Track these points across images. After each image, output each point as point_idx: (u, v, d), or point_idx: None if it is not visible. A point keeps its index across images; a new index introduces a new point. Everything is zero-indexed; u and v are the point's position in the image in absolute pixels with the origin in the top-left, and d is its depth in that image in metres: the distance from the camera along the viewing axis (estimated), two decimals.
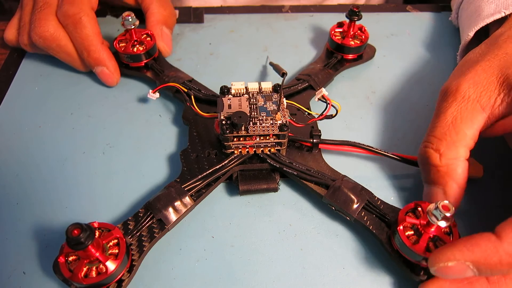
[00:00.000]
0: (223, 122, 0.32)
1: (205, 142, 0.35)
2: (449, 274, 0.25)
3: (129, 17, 0.40)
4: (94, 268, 0.27)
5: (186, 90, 0.37)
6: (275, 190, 0.34)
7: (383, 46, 0.46)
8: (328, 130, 0.38)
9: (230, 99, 0.34)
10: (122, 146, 0.38)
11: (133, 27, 0.41)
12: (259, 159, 0.34)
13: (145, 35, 0.42)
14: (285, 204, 0.34)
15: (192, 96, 0.35)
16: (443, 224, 0.26)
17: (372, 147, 0.34)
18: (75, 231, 0.25)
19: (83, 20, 0.39)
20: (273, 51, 0.46)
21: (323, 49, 0.45)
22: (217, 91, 0.38)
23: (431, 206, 0.26)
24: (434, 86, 0.42)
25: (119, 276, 0.28)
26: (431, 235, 0.27)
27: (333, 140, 0.35)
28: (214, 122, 0.34)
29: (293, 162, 0.33)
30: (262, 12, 0.51)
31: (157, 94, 0.37)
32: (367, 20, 0.50)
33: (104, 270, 0.27)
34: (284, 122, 0.32)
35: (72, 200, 0.35)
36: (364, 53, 0.44)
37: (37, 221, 0.33)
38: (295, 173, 0.33)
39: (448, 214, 0.25)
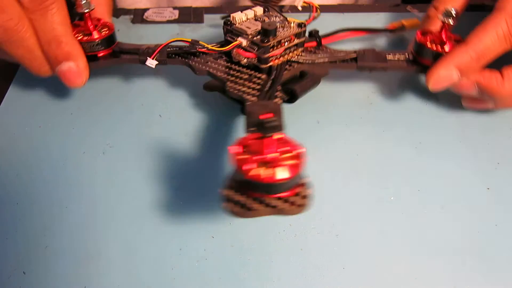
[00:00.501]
0: (254, 38, 0.35)
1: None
2: (442, 81, 0.35)
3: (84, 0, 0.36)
4: (287, 160, 0.23)
5: (189, 40, 0.37)
6: (322, 77, 0.38)
7: (383, 46, 0.46)
8: (328, 130, 0.38)
9: (241, 24, 0.36)
10: (122, 146, 0.38)
11: (87, 10, 0.37)
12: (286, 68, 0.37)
13: (99, 20, 0.39)
14: None
15: (200, 41, 0.37)
16: (450, 20, 0.34)
17: (366, 28, 0.42)
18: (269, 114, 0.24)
19: (53, 7, 0.34)
20: None
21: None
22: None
23: (442, 13, 0.35)
24: None
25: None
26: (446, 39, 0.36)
27: (331, 32, 0.40)
28: (235, 53, 0.36)
29: (318, 54, 0.37)
30: None
31: (155, 62, 0.36)
32: (367, 20, 0.50)
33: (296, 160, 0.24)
34: (299, 22, 0.36)
35: (72, 200, 0.35)
36: None
37: (37, 221, 0.33)
38: (326, 60, 0.37)
39: (453, 12, 0.34)
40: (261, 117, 0.24)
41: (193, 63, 0.38)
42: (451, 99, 0.40)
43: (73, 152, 0.38)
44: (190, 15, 0.50)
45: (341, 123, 0.39)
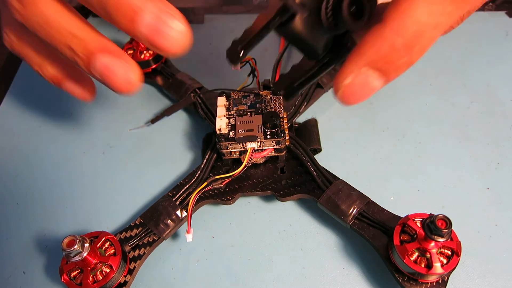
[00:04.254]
0: (262, 139, 0.31)
1: None
2: (355, 93, 0.21)
3: None
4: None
5: (206, 183, 0.31)
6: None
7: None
8: (328, 130, 0.38)
9: (235, 131, 0.31)
10: (122, 146, 0.38)
11: None
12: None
13: None
14: (285, 204, 0.34)
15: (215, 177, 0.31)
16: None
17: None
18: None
19: None
20: (273, 51, 0.46)
21: None
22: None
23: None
24: (434, 86, 0.42)
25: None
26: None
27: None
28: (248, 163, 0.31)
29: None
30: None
31: (191, 235, 0.31)
32: None
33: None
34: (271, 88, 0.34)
35: (72, 200, 0.35)
36: None
37: (37, 221, 0.33)
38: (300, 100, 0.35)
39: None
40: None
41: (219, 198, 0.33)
42: (451, 99, 0.40)
43: (73, 152, 0.38)
44: (190, 15, 0.50)
45: (341, 123, 0.39)
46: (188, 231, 0.30)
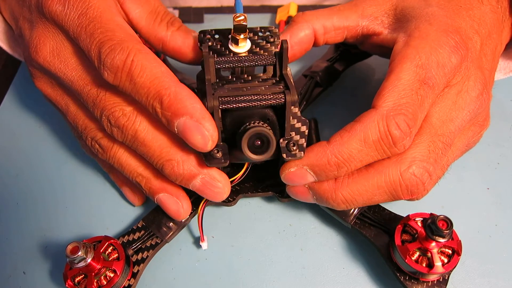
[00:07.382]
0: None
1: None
2: (294, 180, 0.29)
3: None
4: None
5: None
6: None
7: None
8: (328, 130, 0.38)
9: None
10: None
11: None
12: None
13: None
14: (285, 204, 0.34)
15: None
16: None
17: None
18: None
19: (136, 61, 0.26)
20: None
21: (322, 48, 0.45)
22: None
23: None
24: None
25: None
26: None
27: None
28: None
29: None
30: (262, 12, 0.51)
31: (206, 243, 0.32)
32: None
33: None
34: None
35: (73, 200, 0.35)
36: None
37: (37, 221, 0.33)
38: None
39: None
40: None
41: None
42: None
43: (73, 152, 0.38)
44: (190, 15, 0.50)
45: (342, 123, 0.39)
46: (202, 240, 0.31)
